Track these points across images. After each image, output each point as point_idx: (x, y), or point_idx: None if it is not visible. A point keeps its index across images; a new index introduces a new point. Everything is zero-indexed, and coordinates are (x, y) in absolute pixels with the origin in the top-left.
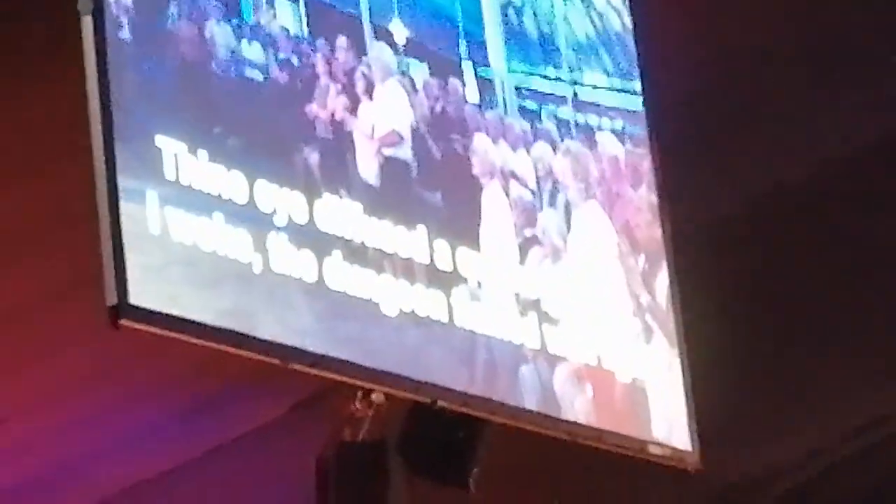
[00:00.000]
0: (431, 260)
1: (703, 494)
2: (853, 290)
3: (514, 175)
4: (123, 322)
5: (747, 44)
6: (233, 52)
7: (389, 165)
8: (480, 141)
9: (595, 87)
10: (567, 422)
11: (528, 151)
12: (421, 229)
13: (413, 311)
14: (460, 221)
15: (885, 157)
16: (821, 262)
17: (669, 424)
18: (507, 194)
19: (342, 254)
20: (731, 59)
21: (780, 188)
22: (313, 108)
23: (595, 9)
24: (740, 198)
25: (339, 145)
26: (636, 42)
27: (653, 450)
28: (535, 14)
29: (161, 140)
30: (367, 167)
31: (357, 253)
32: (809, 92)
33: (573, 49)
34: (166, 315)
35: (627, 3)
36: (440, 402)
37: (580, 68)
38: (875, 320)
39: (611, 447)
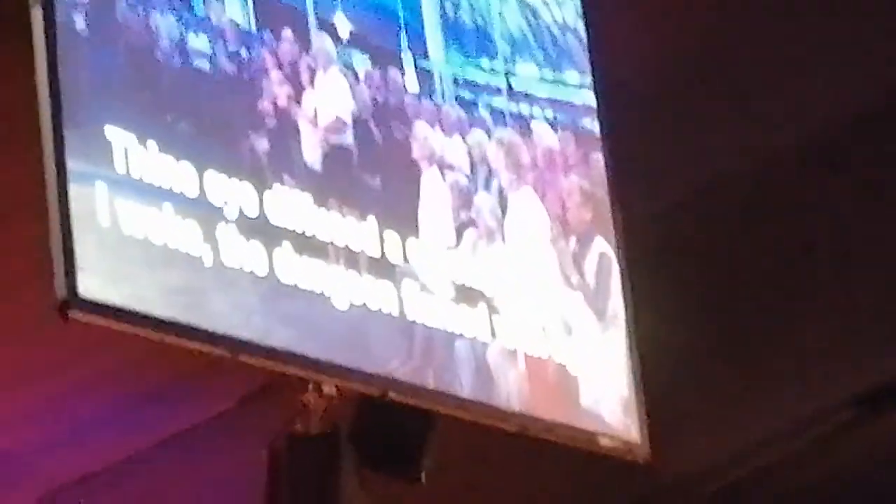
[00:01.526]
0: (382, 253)
1: (650, 484)
2: (800, 282)
3: (450, 161)
4: (73, 315)
5: (696, 32)
6: (181, 43)
7: (333, 151)
8: (419, 128)
9: (528, 77)
10: (519, 414)
11: (463, 139)
12: (371, 220)
13: (364, 304)
14: (400, 205)
15: (829, 147)
16: (767, 252)
17: (596, 398)
18: (444, 179)
19: (292, 246)
20: (678, 47)
21: (729, 177)
22: (260, 98)
23: (528, 4)
24: (688, 186)
25: (285, 132)
26: (588, 32)
27: (603, 442)
28: (471, 7)
29: (111, 131)
30: (312, 153)
31: (308, 246)
32: (757, 81)
33: (507, 42)
34: (116, 308)
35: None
36: (391, 395)
37: (514, 60)
38: (820, 313)
39: (561, 439)
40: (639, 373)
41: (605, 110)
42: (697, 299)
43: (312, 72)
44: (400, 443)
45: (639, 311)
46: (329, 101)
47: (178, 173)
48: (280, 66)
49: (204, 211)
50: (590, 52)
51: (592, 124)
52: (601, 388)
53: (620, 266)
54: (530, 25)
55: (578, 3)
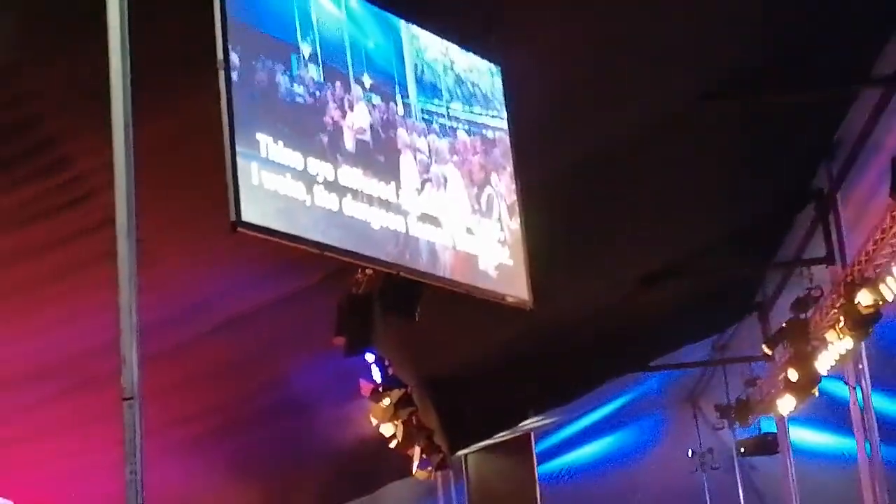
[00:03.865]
0: (397, 198)
1: (537, 326)
2: (620, 207)
3: (418, 149)
4: (239, 229)
5: (573, 64)
6: (290, 88)
7: (360, 143)
8: (402, 132)
9: (456, 109)
10: (467, 284)
11: (425, 139)
12: (392, 184)
13: (388, 226)
14: (393, 171)
15: (649, 134)
16: (612, 189)
17: (486, 266)
18: (416, 159)
19: (351, 196)
20: (565, 77)
21: (595, 152)
22: (325, 115)
23: (457, 74)
24: (572, 157)
25: (337, 133)
26: (502, 81)
27: (508, 300)
28: (432, 73)
29: (259, 135)
30: (349, 143)
31: (359, 196)
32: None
33: (447, 91)
34: (263, 227)
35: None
36: (402, 274)
37: (450, 100)
38: (627, 224)
39: (485, 296)
40: (528, 259)
41: (514, 124)
42: (569, 215)
43: (351, 103)
44: (405, 297)
45: (531, 223)
46: (358, 117)
47: (293, 158)
48: (334, 100)
49: (306, 177)
50: (503, 94)
51: (487, 133)
52: (489, 261)
53: (518, 199)
54: (458, 84)
55: (485, 70)
